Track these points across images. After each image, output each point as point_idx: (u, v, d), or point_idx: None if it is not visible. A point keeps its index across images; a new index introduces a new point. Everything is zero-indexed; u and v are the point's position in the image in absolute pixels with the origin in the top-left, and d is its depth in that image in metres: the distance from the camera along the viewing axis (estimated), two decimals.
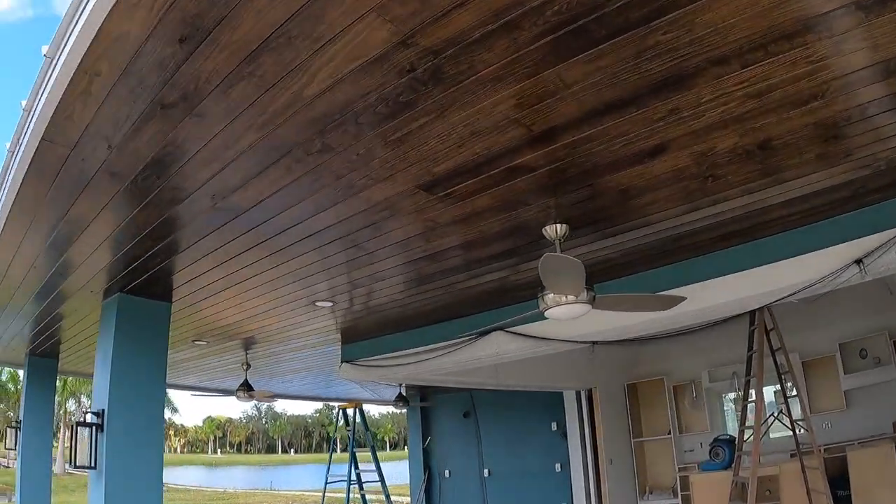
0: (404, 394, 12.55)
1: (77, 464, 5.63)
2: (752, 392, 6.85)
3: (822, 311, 7.30)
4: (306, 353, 9.43)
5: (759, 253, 4.75)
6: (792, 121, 3.08)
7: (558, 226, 4.34)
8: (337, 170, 3.47)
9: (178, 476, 47.08)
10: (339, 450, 12.76)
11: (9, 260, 4.97)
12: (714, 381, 9.36)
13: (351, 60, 2.56)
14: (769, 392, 8.45)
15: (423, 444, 13.02)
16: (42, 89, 2.92)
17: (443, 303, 6.48)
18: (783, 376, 6.94)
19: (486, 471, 11.91)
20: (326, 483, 12.69)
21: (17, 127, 3.34)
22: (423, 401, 13.31)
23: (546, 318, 4.45)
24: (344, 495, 11.92)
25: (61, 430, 34.30)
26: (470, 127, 3.04)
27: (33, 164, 3.39)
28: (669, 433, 9.65)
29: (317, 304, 6.31)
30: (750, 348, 6.82)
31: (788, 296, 4.75)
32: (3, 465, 34.86)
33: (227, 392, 11.71)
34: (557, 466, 10.65)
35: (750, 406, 6.90)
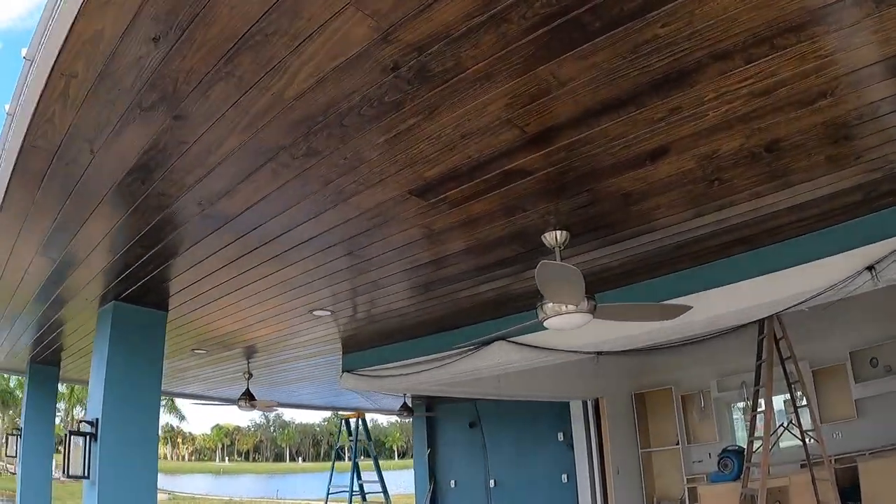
0: (409, 403, 12.40)
1: (70, 473, 5.53)
2: (762, 402, 6.74)
3: (833, 319, 7.15)
4: (308, 363, 9.31)
5: (767, 260, 4.58)
6: (800, 120, 2.92)
7: (558, 233, 4.20)
8: (325, 175, 3.34)
9: (185, 484, 47.04)
10: (346, 458, 12.59)
11: (2, 265, 4.89)
12: (723, 390, 9.22)
13: (331, 59, 2.44)
14: (779, 401, 8.31)
15: (426, 454, 12.87)
16: (23, 92, 2.85)
17: (444, 312, 6.34)
18: (793, 386, 6.80)
19: (491, 481, 11.76)
20: (328, 493, 12.53)
21: (1, 132, 3.29)
22: (428, 411, 13.18)
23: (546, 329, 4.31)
24: None
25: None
26: (460, 129, 2.90)
27: (18, 169, 3.33)
28: (677, 443, 9.51)
29: (314, 313, 6.18)
30: (759, 357, 6.69)
31: (798, 304, 4.58)
32: (11, 472, 34.87)
33: (230, 401, 11.60)
34: (564, 477, 10.50)
35: (759, 416, 6.78)
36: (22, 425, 8.79)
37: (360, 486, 12.11)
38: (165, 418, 53.41)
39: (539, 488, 10.96)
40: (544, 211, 3.88)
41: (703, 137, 3.04)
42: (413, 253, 4.57)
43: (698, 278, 4.95)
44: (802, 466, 7.13)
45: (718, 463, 8.33)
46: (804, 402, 6.83)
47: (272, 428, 68.66)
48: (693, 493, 8.84)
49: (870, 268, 4.10)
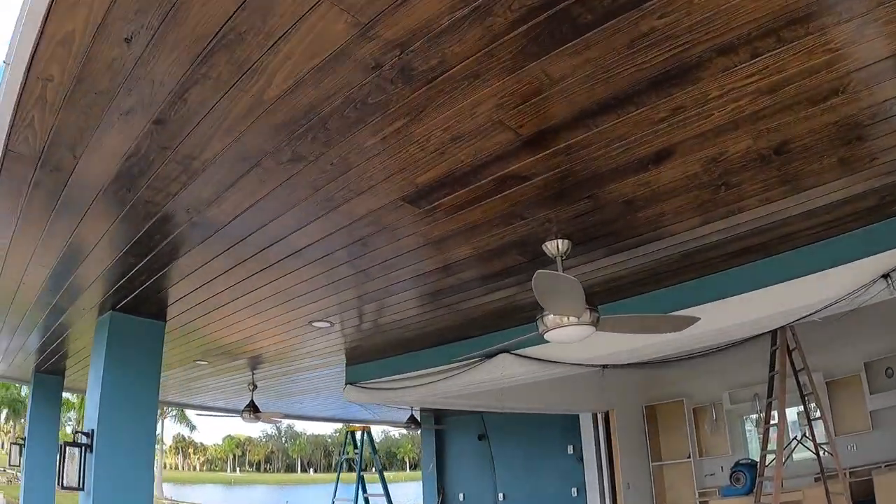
0: (416, 416, 12.26)
1: (65, 484, 5.50)
2: (775, 414, 6.59)
3: (847, 329, 6.98)
4: (313, 374, 9.19)
5: (778, 269, 4.39)
6: (810, 120, 2.74)
7: (559, 241, 4.04)
8: (312, 182, 3.21)
9: (196, 494, 47.00)
10: (357, 470, 12.45)
11: None
12: (735, 402, 9.04)
13: (309, 58, 2.31)
14: (792, 413, 8.11)
15: (428, 469, 12.73)
16: (2, 98, 2.78)
17: (447, 324, 6.18)
18: (806, 397, 6.65)
19: (500, 495, 11.62)
20: None
21: None
22: (437, 423, 13.04)
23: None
24: None
25: None
26: (450, 131, 2.76)
27: (2, 176, 3.26)
28: (689, 457, 9.33)
29: (314, 324, 6.05)
30: (772, 369, 6.53)
31: (811, 314, 4.39)
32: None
33: (236, 412, 11.51)
34: (574, 491, 10.35)
35: (772, 429, 6.63)
36: (26, 435, 8.82)
37: (366, 500, 11.95)
38: (176, 428, 53.44)
39: (548, 502, 10.78)
40: (544, 219, 3.72)
41: (709, 139, 2.87)
42: (410, 263, 4.42)
43: (707, 288, 4.77)
44: (816, 480, 6.94)
45: (731, 476, 8.16)
46: (818, 415, 6.67)
47: (283, 439, 68.60)
48: None
49: (885, 276, 3.91)
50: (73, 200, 3.52)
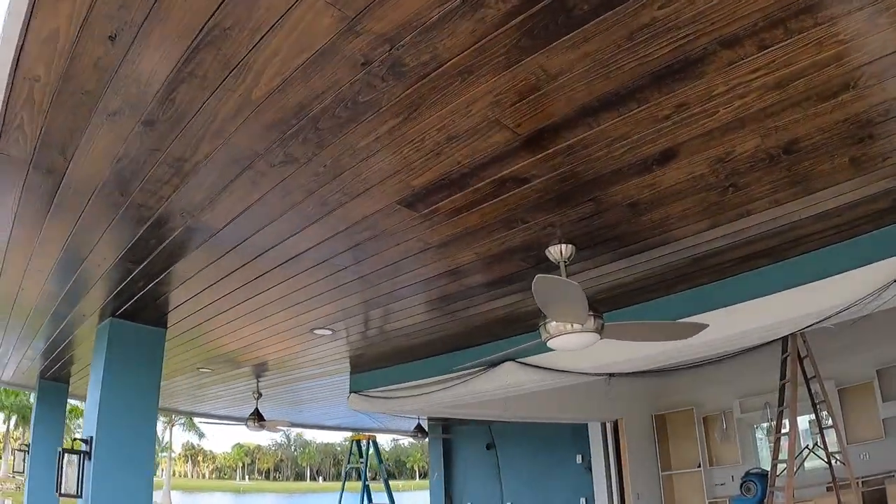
0: (423, 425, 12.15)
1: (63, 491, 5.44)
2: (786, 423, 6.46)
3: (859, 336, 6.85)
4: (317, 383, 9.10)
5: (788, 274, 4.26)
6: (820, 117, 2.62)
7: (562, 246, 3.93)
8: (305, 184, 3.13)
9: (205, 502, 46.98)
10: (368, 479, 12.35)
11: None
12: (746, 411, 8.90)
13: (297, 54, 2.23)
14: (803, 422, 7.97)
15: (433, 478, 12.61)
16: None
17: (451, 332, 6.07)
18: (818, 405, 6.54)
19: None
20: None
21: None
22: (445, 432, 12.93)
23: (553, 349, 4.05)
24: None
25: None
26: (445, 131, 2.66)
27: None
28: (699, 466, 9.20)
29: (315, 332, 5.96)
30: (783, 377, 6.42)
31: (822, 320, 4.25)
32: None
33: (243, 420, 11.44)
34: (582, 501, 10.19)
35: (783, 438, 6.51)
36: (30, 441, 8.78)
37: None
38: (186, 436, 53.48)
39: None
40: (546, 223, 3.62)
41: (715, 138, 2.76)
42: (410, 269, 4.32)
43: (715, 294, 4.65)
44: (829, 489, 6.85)
45: (741, 486, 8.02)
46: (830, 423, 6.55)
47: (293, 447, 68.54)
48: None
49: None
50: (66, 204, 3.46)
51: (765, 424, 8.84)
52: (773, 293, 4.33)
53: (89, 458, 5.19)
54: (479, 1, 1.95)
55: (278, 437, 65.00)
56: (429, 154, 2.84)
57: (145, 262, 4.25)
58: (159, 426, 43.61)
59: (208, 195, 3.29)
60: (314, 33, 2.12)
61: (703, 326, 4.04)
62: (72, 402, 10.16)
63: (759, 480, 7.71)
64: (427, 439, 13.05)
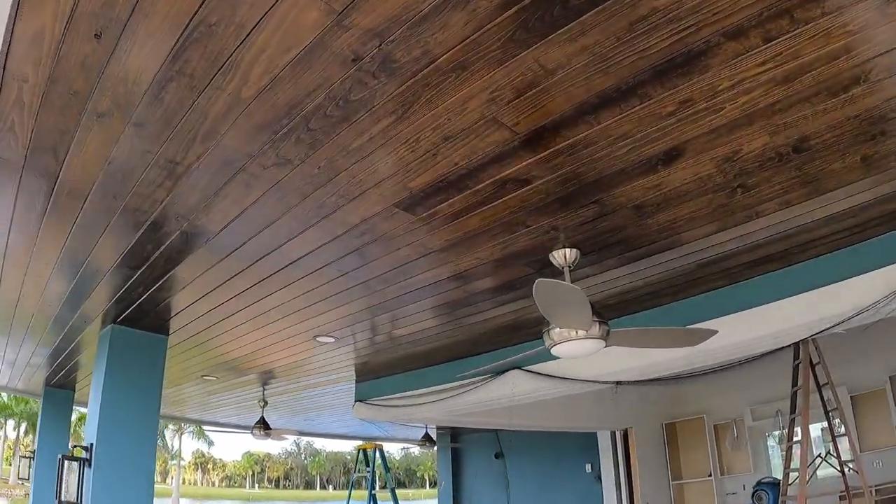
0: (430, 434, 12.04)
1: (63, 499, 5.41)
2: (798, 431, 6.32)
3: (872, 341, 6.68)
4: (323, 391, 9.02)
5: (799, 279, 4.14)
6: (830, 113, 2.52)
7: (567, 251, 3.83)
8: (300, 187, 3.05)
9: None
10: (377, 488, 12.23)
11: None
12: (757, 419, 8.74)
13: (284, 51, 2.16)
14: (816, 429, 7.81)
15: (441, 487, 12.48)
16: None
17: (455, 340, 5.98)
18: (830, 413, 6.37)
19: None
20: None
21: None
22: (454, 441, 12.81)
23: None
24: None
25: None
26: (441, 130, 2.58)
27: None
28: (710, 475, 9.03)
29: (318, 339, 5.87)
30: (794, 384, 6.28)
31: (834, 326, 4.13)
32: None
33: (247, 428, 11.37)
34: None
35: (795, 446, 6.37)
36: (35, 448, 8.80)
37: None
38: (195, 444, 53.53)
39: None
40: (548, 226, 3.53)
41: (722, 136, 2.66)
42: (411, 275, 4.24)
43: (724, 300, 4.53)
44: (842, 499, 6.63)
45: (753, 496, 7.85)
46: (843, 431, 6.44)
47: (303, 456, 68.47)
48: None
49: None
50: (62, 208, 3.43)
51: (776, 432, 8.69)
52: (784, 298, 4.21)
53: (89, 465, 5.15)
54: None
55: (288, 445, 64.95)
56: (425, 155, 2.76)
57: (143, 268, 4.19)
58: (168, 434, 43.68)
59: (202, 198, 3.23)
60: (301, 28, 2.05)
61: (711, 332, 3.93)
62: (82, 409, 10.15)
63: (771, 489, 7.55)
64: (435, 448, 12.93)
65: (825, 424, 6.88)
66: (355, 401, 7.90)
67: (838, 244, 3.89)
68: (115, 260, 4.08)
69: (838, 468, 6.32)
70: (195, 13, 2.04)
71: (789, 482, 6.29)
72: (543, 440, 10.70)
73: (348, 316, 5.20)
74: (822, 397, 6.25)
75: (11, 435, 39.51)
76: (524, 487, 11.36)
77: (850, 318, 3.94)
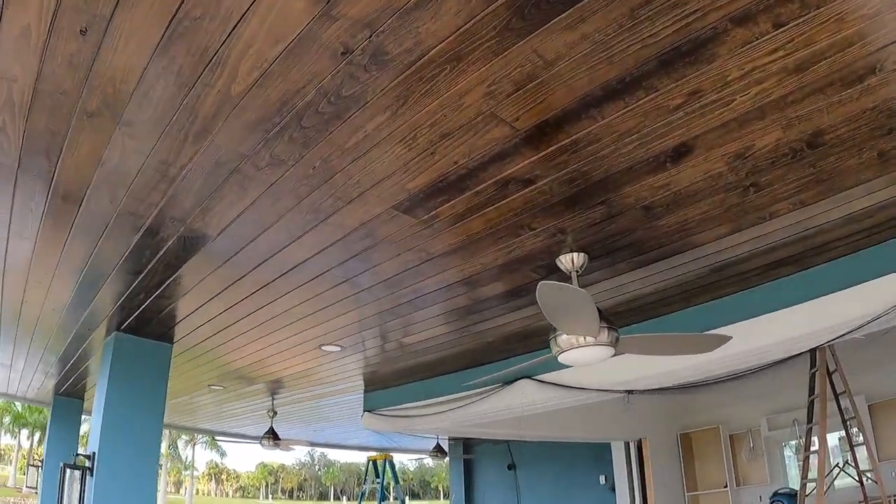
0: (442, 445, 11.91)
1: None
2: (815, 440, 6.12)
3: (890, 348, 6.49)
4: (333, 401, 8.94)
5: (815, 283, 3.99)
6: (845, 105, 2.39)
7: (574, 255, 3.72)
8: (296, 188, 2.97)
9: None
10: (390, 498, 12.09)
11: None
12: (773, 429, 8.57)
13: (272, 44, 2.08)
14: (833, 439, 7.63)
15: (453, 498, 12.33)
16: None
17: (464, 348, 5.86)
18: (848, 422, 6.19)
19: None
20: None
21: None
22: (466, 452, 12.66)
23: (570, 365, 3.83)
24: None
25: None
26: (438, 127, 2.48)
27: None
28: (726, 486, 8.85)
29: (323, 348, 5.78)
30: (811, 392, 6.10)
31: (851, 331, 3.97)
32: None
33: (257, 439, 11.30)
34: None
35: (812, 456, 6.16)
36: (44, 456, 8.76)
37: None
38: (209, 455, 53.59)
39: None
40: (554, 229, 3.42)
41: (732, 130, 2.54)
42: (415, 281, 4.13)
43: (738, 306, 4.39)
44: None
45: None
46: (861, 440, 6.23)
47: (317, 467, 68.37)
48: None
49: None
50: (58, 213, 3.37)
51: (793, 442, 8.51)
52: (800, 303, 4.07)
53: (91, 474, 5.09)
54: None
55: (302, 456, 64.94)
56: (423, 153, 2.66)
57: (143, 274, 4.13)
58: (181, 444, 43.74)
59: (197, 201, 3.15)
60: (288, 20, 1.97)
61: (725, 339, 3.80)
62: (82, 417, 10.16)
63: (788, 500, 7.41)
64: (447, 459, 12.79)
65: (843, 434, 6.71)
66: (364, 411, 7.80)
67: (855, 247, 3.75)
68: (113, 266, 4.02)
69: (856, 478, 6.15)
70: (179, 6, 1.97)
71: (807, 493, 6.11)
72: (556, 451, 10.56)
73: (353, 324, 5.11)
74: (839, 406, 6.08)
75: (25, 444, 39.75)
76: (537, 499, 11.19)
77: (867, 322, 3.80)
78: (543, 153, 2.68)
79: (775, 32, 2.01)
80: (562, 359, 3.65)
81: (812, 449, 6.20)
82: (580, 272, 3.80)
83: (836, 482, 6.85)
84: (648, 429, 8.87)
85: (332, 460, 68.29)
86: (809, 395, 6.13)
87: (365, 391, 7.81)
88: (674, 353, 4.13)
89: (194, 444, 45.70)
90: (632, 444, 9.28)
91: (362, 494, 12.06)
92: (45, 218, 3.44)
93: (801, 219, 3.35)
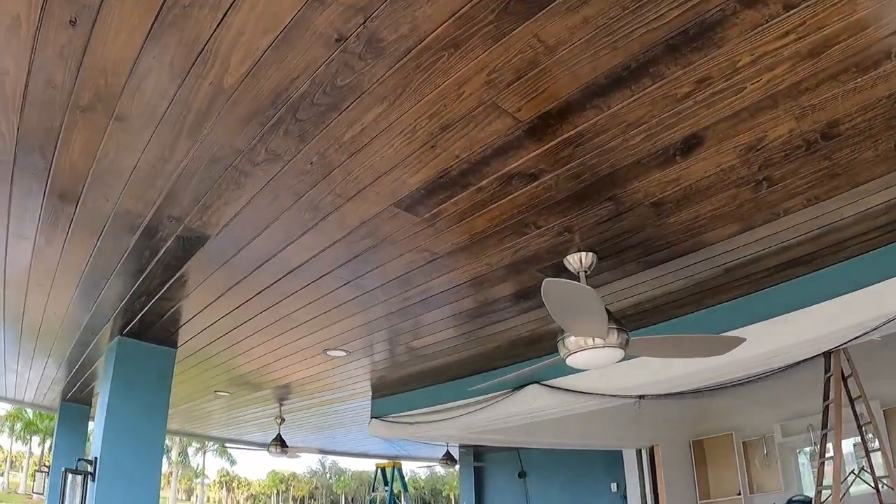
0: (451, 452, 11.79)
1: None
2: (830, 447, 6.03)
3: None
4: (341, 407, 8.85)
5: (829, 283, 3.87)
6: (860, 93, 2.29)
7: (582, 255, 3.63)
8: (293, 185, 2.89)
9: None
10: None
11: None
12: (787, 435, 8.42)
13: (263, 33, 2.02)
14: (848, 444, 7.47)
15: None
16: None
17: (473, 352, 5.76)
18: (863, 427, 6.07)
19: None
20: None
21: None
22: (476, 460, 12.54)
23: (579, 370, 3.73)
24: None
25: None
26: (437, 118, 2.41)
27: None
28: (739, 494, 8.71)
29: (328, 352, 5.70)
30: (826, 398, 5.99)
31: (867, 332, 3.85)
32: None
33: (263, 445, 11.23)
34: None
35: (827, 462, 6.07)
36: (51, 463, 8.76)
37: None
38: (219, 463, 53.64)
39: None
40: (561, 227, 3.33)
41: (744, 120, 2.44)
42: (419, 283, 4.05)
43: (751, 308, 4.27)
44: None
45: None
46: (877, 446, 6.09)
47: (328, 475, 68.21)
48: None
49: None
50: (55, 212, 3.32)
51: (808, 448, 8.36)
52: (814, 304, 3.95)
53: (93, 479, 5.04)
54: None
55: (313, 464, 64.80)
56: (423, 147, 2.58)
57: (144, 276, 4.07)
58: (191, 451, 43.77)
59: (194, 199, 3.09)
60: (278, 7, 1.91)
61: (739, 340, 3.68)
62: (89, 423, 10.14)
63: None
64: (456, 467, 12.68)
65: (858, 439, 6.63)
66: (371, 418, 7.71)
67: (871, 245, 3.63)
68: (113, 268, 3.97)
69: (872, 484, 6.05)
70: None
71: (822, 500, 6.00)
72: (567, 459, 10.47)
73: (357, 328, 5.03)
74: (854, 411, 5.97)
75: (37, 451, 39.92)
76: None
77: (885, 323, 3.68)
78: (547, 146, 2.60)
79: (786, 14, 1.92)
80: (570, 361, 3.55)
81: (827, 455, 6.11)
82: (588, 273, 3.70)
83: (851, 489, 6.74)
84: (660, 435, 8.74)
85: (344, 468, 68.14)
86: (824, 401, 6.03)
87: (372, 397, 7.72)
88: (685, 355, 4.03)
89: (205, 452, 45.73)
90: (644, 452, 9.16)
91: (371, 502, 11.97)
92: (42, 217, 3.39)
93: (814, 216, 3.25)
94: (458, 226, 3.27)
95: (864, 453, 6.17)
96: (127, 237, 3.55)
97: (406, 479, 12.28)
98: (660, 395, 6.55)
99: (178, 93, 2.34)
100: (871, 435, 6.11)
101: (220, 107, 2.39)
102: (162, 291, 4.31)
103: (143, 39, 2.10)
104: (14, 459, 46.28)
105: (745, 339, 3.72)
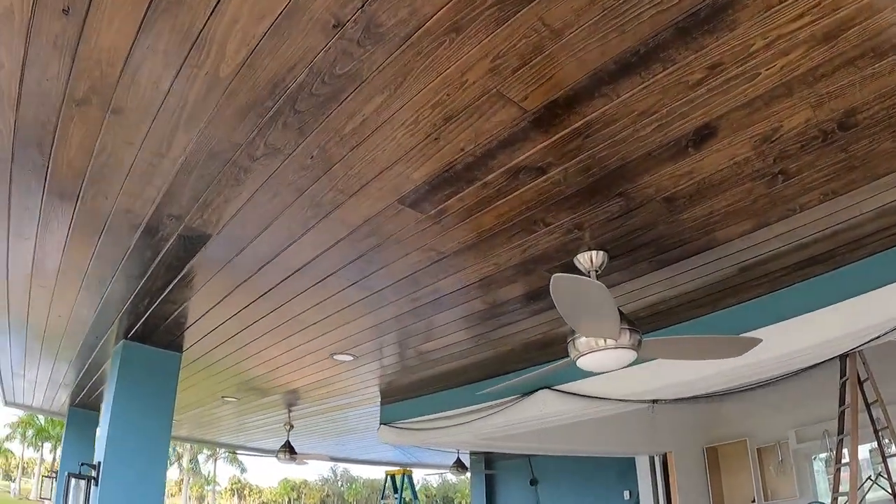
0: (462, 460, 11.69)
1: None
2: (846, 452, 5.90)
3: None
4: (350, 413, 8.79)
5: (849, 281, 3.75)
6: (878, 79, 2.18)
7: (593, 254, 3.54)
8: (294, 180, 2.82)
9: None
10: None
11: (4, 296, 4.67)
12: (802, 441, 8.25)
13: (258, 19, 1.96)
14: (864, 450, 7.31)
15: None
16: None
17: (483, 357, 5.67)
18: (880, 433, 5.93)
19: None
20: None
21: None
22: (487, 467, 12.42)
23: (592, 373, 3.64)
24: None
25: None
26: (440, 108, 2.33)
27: None
28: (754, 501, 8.55)
29: (335, 357, 5.62)
30: (841, 402, 5.87)
31: (886, 333, 3.73)
32: None
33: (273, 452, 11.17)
34: None
35: (843, 468, 5.94)
36: (59, 468, 8.73)
37: None
38: (230, 470, 53.66)
39: None
40: (570, 225, 3.24)
41: (758, 109, 2.35)
42: (426, 284, 3.97)
43: (768, 309, 4.16)
44: None
45: None
46: (893, 451, 6.00)
47: (340, 482, 68.05)
48: None
49: None
50: (55, 210, 3.28)
51: (823, 455, 8.21)
52: (832, 304, 3.83)
53: (96, 484, 5.00)
54: None
55: (325, 472, 64.66)
56: (426, 139, 2.51)
57: (146, 277, 4.02)
58: (202, 458, 43.77)
59: (193, 196, 3.03)
60: None
61: (755, 342, 3.57)
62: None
63: None
64: (467, 474, 12.57)
65: (874, 445, 6.45)
66: (380, 424, 7.62)
67: (892, 241, 3.51)
68: (115, 269, 3.93)
69: (889, 491, 5.93)
70: None
71: None
72: (579, 466, 10.35)
73: (364, 331, 4.95)
74: (871, 416, 5.84)
75: (48, 458, 40.07)
76: None
77: None
78: (555, 137, 2.51)
79: None
80: (580, 363, 3.46)
81: (843, 461, 5.99)
82: (599, 272, 3.61)
83: (868, 496, 6.57)
84: (673, 442, 8.62)
85: (356, 476, 67.99)
86: (840, 406, 5.92)
87: (381, 403, 7.63)
88: (700, 357, 3.92)
89: (216, 459, 45.72)
90: (657, 458, 9.03)
91: None
92: (42, 216, 3.35)
93: (832, 211, 3.14)
94: (465, 223, 3.19)
95: (880, 459, 6.06)
96: (127, 237, 3.50)
97: (417, 486, 12.19)
98: (673, 400, 6.44)
99: (173, 84, 2.28)
100: (887, 440, 5.99)
101: (216, 98, 2.32)
102: (165, 293, 4.25)
103: (136, 28, 2.04)
104: (26, 466, 46.49)
105: (760, 340, 3.61)
